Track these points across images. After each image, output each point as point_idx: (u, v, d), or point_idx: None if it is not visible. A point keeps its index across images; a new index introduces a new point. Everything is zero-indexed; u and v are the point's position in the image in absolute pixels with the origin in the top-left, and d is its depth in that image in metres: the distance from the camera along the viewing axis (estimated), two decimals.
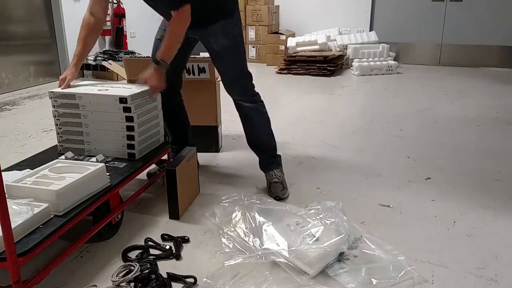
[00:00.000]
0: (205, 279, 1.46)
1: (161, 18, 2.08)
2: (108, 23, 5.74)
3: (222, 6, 1.96)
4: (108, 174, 1.69)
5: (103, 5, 1.97)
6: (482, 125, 3.34)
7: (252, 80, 2.09)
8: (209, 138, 2.68)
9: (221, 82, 2.66)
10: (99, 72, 5.24)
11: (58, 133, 2.00)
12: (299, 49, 5.89)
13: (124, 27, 5.99)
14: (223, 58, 2.02)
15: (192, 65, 2.50)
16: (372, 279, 1.44)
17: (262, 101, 2.12)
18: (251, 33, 6.47)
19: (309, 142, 2.94)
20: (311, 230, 1.57)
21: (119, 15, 5.91)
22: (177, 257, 1.60)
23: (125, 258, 1.60)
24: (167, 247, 1.65)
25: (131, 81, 2.61)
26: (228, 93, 2.09)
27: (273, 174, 2.15)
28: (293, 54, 5.82)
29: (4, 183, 1.11)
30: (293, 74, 5.62)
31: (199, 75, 2.55)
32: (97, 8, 1.94)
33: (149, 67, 1.89)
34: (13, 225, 1.18)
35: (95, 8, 1.94)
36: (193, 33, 2.00)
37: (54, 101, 1.94)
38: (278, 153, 2.23)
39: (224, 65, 2.04)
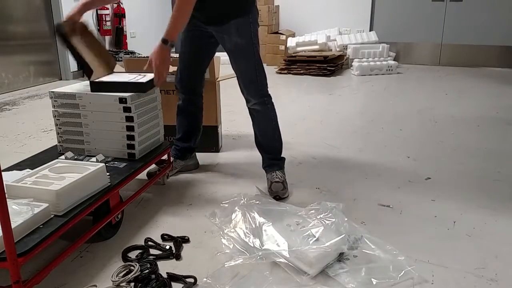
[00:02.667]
0: (205, 279, 1.46)
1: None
2: (108, 23, 5.75)
3: (238, 4, 1.94)
4: (108, 174, 1.69)
5: None
6: (482, 125, 3.34)
7: (265, 80, 2.07)
8: (209, 138, 2.68)
9: (221, 82, 2.68)
10: None
11: (58, 133, 2.00)
12: (299, 49, 5.89)
13: (124, 27, 5.99)
14: (236, 56, 2.01)
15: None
16: (372, 279, 1.44)
17: (272, 104, 2.11)
18: None
19: (309, 142, 2.94)
20: (311, 230, 1.58)
21: (119, 15, 5.92)
22: (177, 257, 1.60)
23: (125, 258, 1.60)
24: (167, 247, 1.65)
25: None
26: (241, 90, 2.08)
27: (275, 174, 2.14)
28: (293, 54, 5.82)
29: (4, 183, 1.11)
30: (293, 74, 5.63)
31: None
32: None
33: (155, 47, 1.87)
34: (13, 225, 1.18)
35: None
36: (211, 28, 2.01)
37: (54, 101, 1.95)
38: (282, 155, 2.22)
39: (237, 63, 2.03)
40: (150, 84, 1.96)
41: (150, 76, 2.01)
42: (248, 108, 2.12)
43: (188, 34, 2.09)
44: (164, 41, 1.83)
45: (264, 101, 2.08)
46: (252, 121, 2.15)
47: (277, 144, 2.19)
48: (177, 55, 2.22)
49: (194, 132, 2.35)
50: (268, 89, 2.09)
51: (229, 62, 2.06)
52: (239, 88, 2.10)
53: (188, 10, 1.81)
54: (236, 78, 2.09)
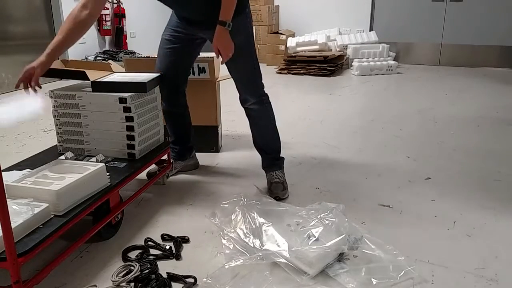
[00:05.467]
0: (205, 279, 1.46)
1: (163, 16, 2.07)
2: (108, 23, 5.75)
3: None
4: (108, 174, 1.69)
5: (100, 1, 1.79)
6: (482, 125, 3.34)
7: (261, 79, 2.06)
8: (209, 138, 2.68)
9: (221, 82, 2.68)
10: None
11: (58, 133, 2.00)
12: (299, 49, 5.89)
13: (124, 27, 5.99)
14: (234, 56, 1.97)
15: (192, 65, 2.50)
16: (372, 279, 1.44)
17: (269, 103, 2.10)
18: None
19: (309, 142, 2.94)
20: (311, 230, 1.57)
21: (119, 15, 5.92)
22: (177, 257, 1.60)
23: (125, 258, 1.60)
24: (167, 247, 1.65)
25: None
26: (238, 91, 2.07)
27: (274, 175, 2.14)
28: (293, 54, 5.82)
29: (4, 183, 1.11)
30: (293, 74, 5.63)
31: (199, 75, 2.55)
32: (93, 4, 1.76)
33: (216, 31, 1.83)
34: (13, 225, 1.18)
35: (91, 2, 1.75)
36: (204, 33, 1.99)
37: (54, 101, 1.95)
38: (281, 155, 2.22)
39: (234, 64, 2.00)
40: (151, 84, 1.96)
41: (150, 76, 2.01)
42: (245, 108, 2.10)
43: (174, 33, 2.07)
44: (223, 23, 1.80)
45: (262, 100, 2.07)
46: (250, 121, 2.14)
47: (276, 143, 2.18)
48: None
49: (187, 132, 2.34)
50: (265, 88, 2.08)
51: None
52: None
53: None
54: (235, 78, 2.08)
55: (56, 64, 2.11)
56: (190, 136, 2.36)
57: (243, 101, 2.09)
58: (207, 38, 2.03)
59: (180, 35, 2.05)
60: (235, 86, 2.07)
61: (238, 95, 2.09)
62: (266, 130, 2.15)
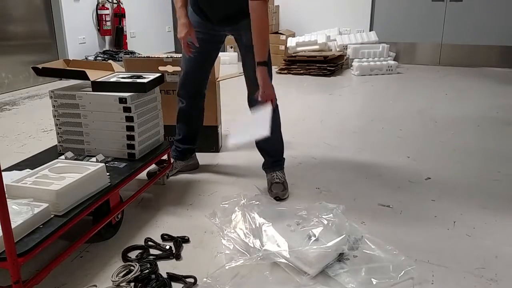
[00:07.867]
0: (205, 279, 1.46)
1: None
2: (108, 23, 5.75)
3: None
4: (108, 174, 1.69)
5: None
6: (482, 125, 3.34)
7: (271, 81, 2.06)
8: (209, 138, 2.68)
9: (221, 82, 2.68)
10: None
11: (58, 133, 2.00)
12: (299, 49, 5.89)
13: (124, 27, 5.99)
14: (251, 52, 1.97)
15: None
16: (372, 279, 1.44)
17: (277, 106, 2.08)
18: None
19: (309, 142, 2.94)
20: (311, 230, 1.57)
21: (119, 15, 5.92)
22: (177, 257, 1.60)
23: (125, 258, 1.60)
24: (167, 247, 1.65)
25: None
26: (248, 89, 2.06)
27: (275, 175, 2.14)
28: (293, 54, 5.82)
29: (4, 183, 1.11)
30: (293, 74, 5.62)
31: None
32: None
33: (257, 72, 1.89)
34: (13, 225, 1.18)
35: None
36: (226, 28, 2.02)
37: (54, 101, 1.95)
38: (283, 156, 2.21)
39: (250, 59, 1.99)
40: (151, 84, 1.96)
41: (151, 76, 2.00)
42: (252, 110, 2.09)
43: (197, 37, 2.07)
44: (264, 63, 1.88)
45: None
46: None
47: (280, 146, 2.18)
48: (178, 55, 2.21)
49: (196, 134, 2.35)
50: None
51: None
52: (238, 89, 2.08)
53: (268, 23, 2.00)
54: (244, 77, 2.06)
55: (58, 64, 2.11)
56: (197, 137, 2.37)
57: (251, 102, 2.07)
58: (226, 33, 2.04)
59: (203, 37, 2.05)
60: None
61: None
62: (272, 133, 2.12)
